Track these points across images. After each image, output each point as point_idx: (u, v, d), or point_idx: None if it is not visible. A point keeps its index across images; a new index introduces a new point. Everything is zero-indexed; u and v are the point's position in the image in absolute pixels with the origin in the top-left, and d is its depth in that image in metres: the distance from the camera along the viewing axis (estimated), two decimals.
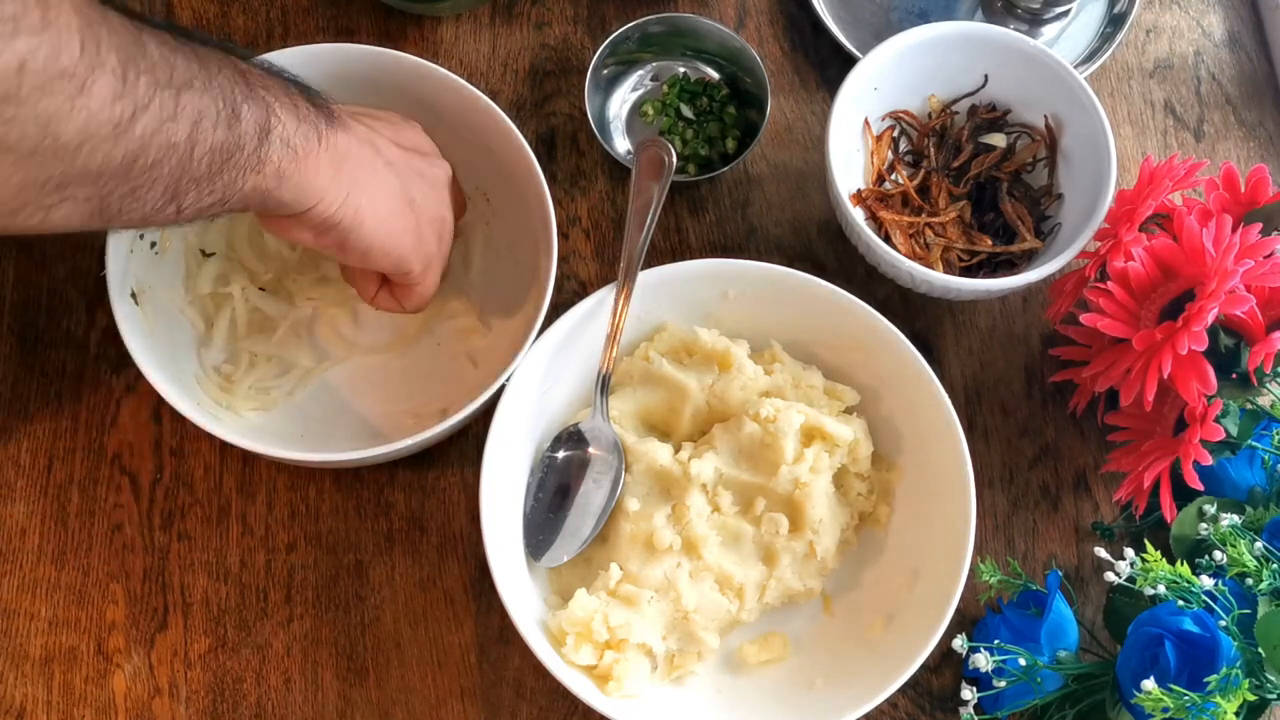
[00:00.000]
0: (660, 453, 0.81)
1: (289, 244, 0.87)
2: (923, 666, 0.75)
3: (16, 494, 0.83)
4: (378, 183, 0.72)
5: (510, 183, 0.84)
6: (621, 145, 0.93)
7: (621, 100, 0.95)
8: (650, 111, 0.94)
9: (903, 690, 0.76)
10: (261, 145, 0.63)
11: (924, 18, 0.98)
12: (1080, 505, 0.89)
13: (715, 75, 0.95)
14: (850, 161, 0.90)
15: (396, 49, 0.84)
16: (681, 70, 0.95)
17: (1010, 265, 0.89)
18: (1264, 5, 1.00)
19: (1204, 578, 0.73)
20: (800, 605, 0.83)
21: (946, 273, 0.88)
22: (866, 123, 0.91)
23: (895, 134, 0.93)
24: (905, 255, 0.86)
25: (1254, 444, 0.79)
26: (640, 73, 0.95)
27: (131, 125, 0.55)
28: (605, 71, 0.92)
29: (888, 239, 0.88)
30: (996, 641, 0.77)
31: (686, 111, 0.93)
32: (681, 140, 0.92)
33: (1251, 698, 0.70)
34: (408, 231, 0.74)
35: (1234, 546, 0.74)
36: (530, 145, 0.81)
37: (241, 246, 0.86)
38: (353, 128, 0.71)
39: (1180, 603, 0.73)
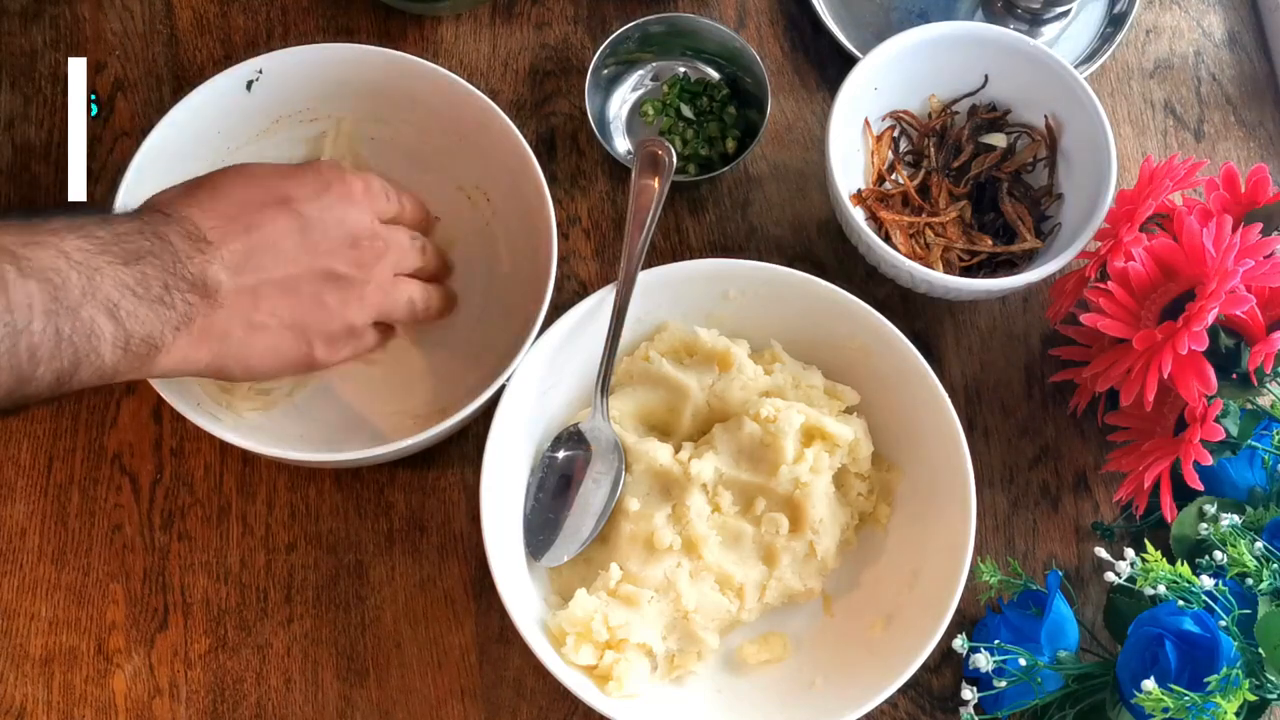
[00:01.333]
0: (660, 453, 0.81)
1: None
2: (923, 666, 0.75)
3: (16, 494, 0.83)
4: (245, 341, 0.72)
5: (510, 183, 0.84)
6: (621, 145, 0.93)
7: (621, 100, 0.95)
8: (650, 111, 0.94)
9: (903, 690, 0.76)
10: (63, 384, 0.63)
11: (924, 18, 0.98)
12: (1080, 505, 0.89)
13: (715, 75, 0.95)
14: (850, 161, 0.90)
15: (396, 49, 0.84)
16: (681, 70, 0.95)
17: (1010, 265, 0.89)
18: (1264, 5, 1.00)
19: (1204, 578, 0.73)
20: (800, 605, 0.83)
21: (946, 273, 0.88)
22: (866, 123, 0.91)
23: (895, 134, 0.93)
24: (905, 255, 0.86)
25: (1254, 444, 0.79)
26: (640, 73, 0.95)
27: None
28: (605, 71, 0.92)
29: (888, 239, 0.88)
30: (996, 641, 0.77)
31: (686, 111, 0.93)
32: (681, 140, 0.92)
33: (1251, 698, 0.70)
34: (289, 360, 0.74)
35: (1234, 546, 0.74)
36: (530, 145, 0.81)
37: None
38: (223, 299, 0.70)
39: (1180, 603, 0.73)
